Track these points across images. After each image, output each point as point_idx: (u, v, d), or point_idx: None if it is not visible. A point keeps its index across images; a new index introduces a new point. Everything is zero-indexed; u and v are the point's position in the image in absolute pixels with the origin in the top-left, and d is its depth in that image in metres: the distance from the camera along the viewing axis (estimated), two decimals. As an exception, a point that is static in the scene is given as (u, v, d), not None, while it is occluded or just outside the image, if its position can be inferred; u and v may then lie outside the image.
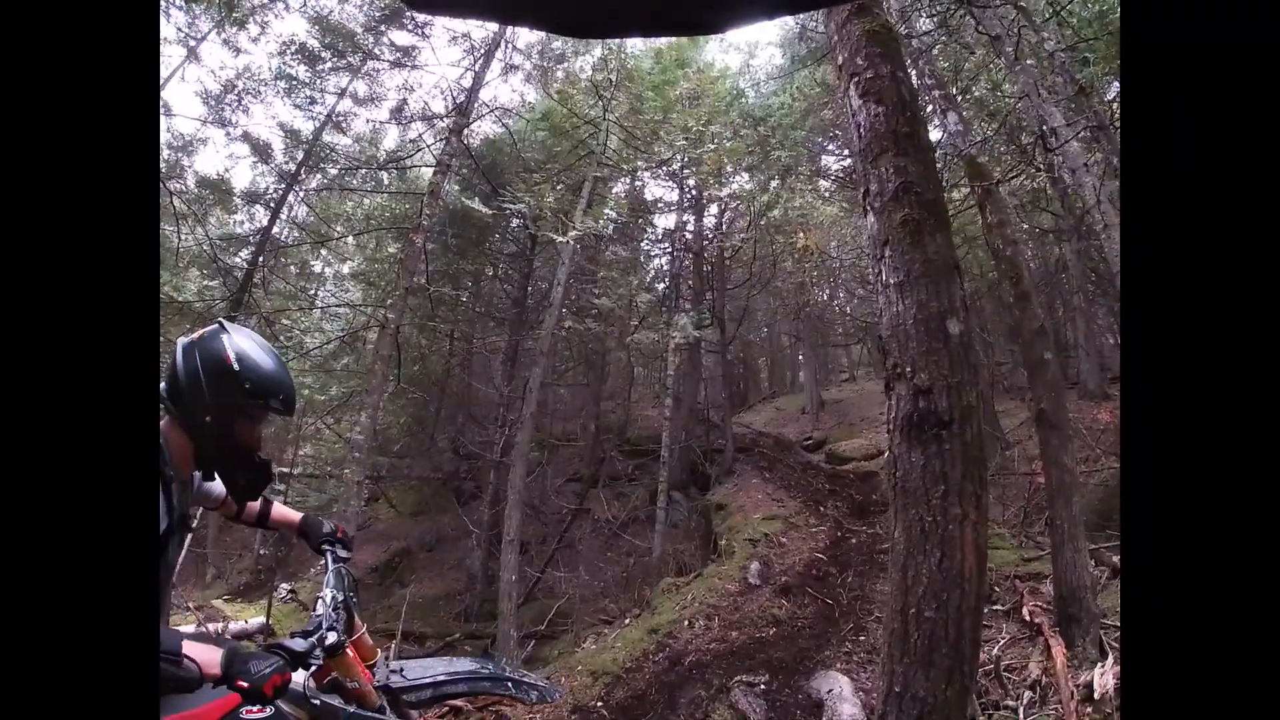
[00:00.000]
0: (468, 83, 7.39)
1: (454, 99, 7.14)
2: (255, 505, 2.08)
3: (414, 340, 9.01)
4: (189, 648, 1.39)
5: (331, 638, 1.65)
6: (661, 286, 12.44)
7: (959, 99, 6.47)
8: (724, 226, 12.23)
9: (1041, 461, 5.26)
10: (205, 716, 1.57)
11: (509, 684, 2.24)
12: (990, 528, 6.79)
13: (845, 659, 4.87)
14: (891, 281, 2.50)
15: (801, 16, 9.73)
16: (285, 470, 8.85)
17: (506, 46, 7.44)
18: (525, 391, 7.49)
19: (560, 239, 6.40)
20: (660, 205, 12.95)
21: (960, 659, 2.10)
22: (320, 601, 1.78)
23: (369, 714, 1.76)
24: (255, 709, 1.58)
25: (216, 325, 1.69)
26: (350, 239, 9.32)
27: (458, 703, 4.29)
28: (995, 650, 4.50)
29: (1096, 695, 3.39)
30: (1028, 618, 4.74)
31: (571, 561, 9.29)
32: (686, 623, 5.76)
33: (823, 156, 13.14)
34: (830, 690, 4.18)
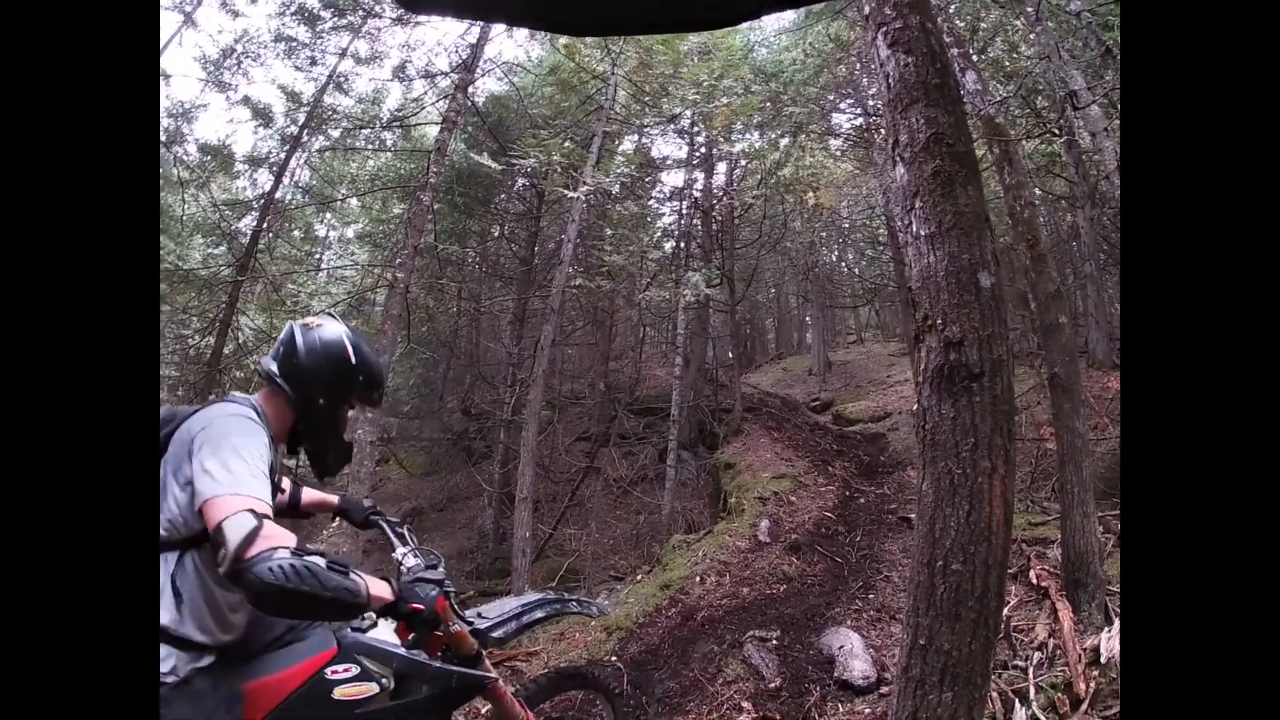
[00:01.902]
0: (472, 39, 7.17)
1: (459, 55, 6.94)
2: (286, 493, 2.15)
3: (421, 301, 8.95)
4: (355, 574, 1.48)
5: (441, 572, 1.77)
6: (670, 245, 12.30)
7: (976, 59, 6.24)
8: (734, 184, 12.01)
9: (1053, 426, 5.22)
10: (297, 675, 1.64)
11: (574, 604, 2.44)
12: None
13: (855, 616, 4.92)
14: (922, 233, 2.44)
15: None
16: None
17: None
18: (536, 350, 7.46)
19: (571, 194, 6.28)
20: (669, 162, 12.72)
21: (985, 613, 2.10)
22: (401, 562, 1.90)
23: (452, 667, 1.81)
24: (341, 667, 1.68)
25: (329, 316, 1.87)
26: (355, 201, 9.17)
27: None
28: (1005, 611, 4.55)
29: (1103, 659, 3.41)
30: (1035, 581, 4.77)
31: (582, 519, 9.40)
32: (698, 579, 5.84)
33: (834, 115, 12.84)
34: (841, 646, 4.23)
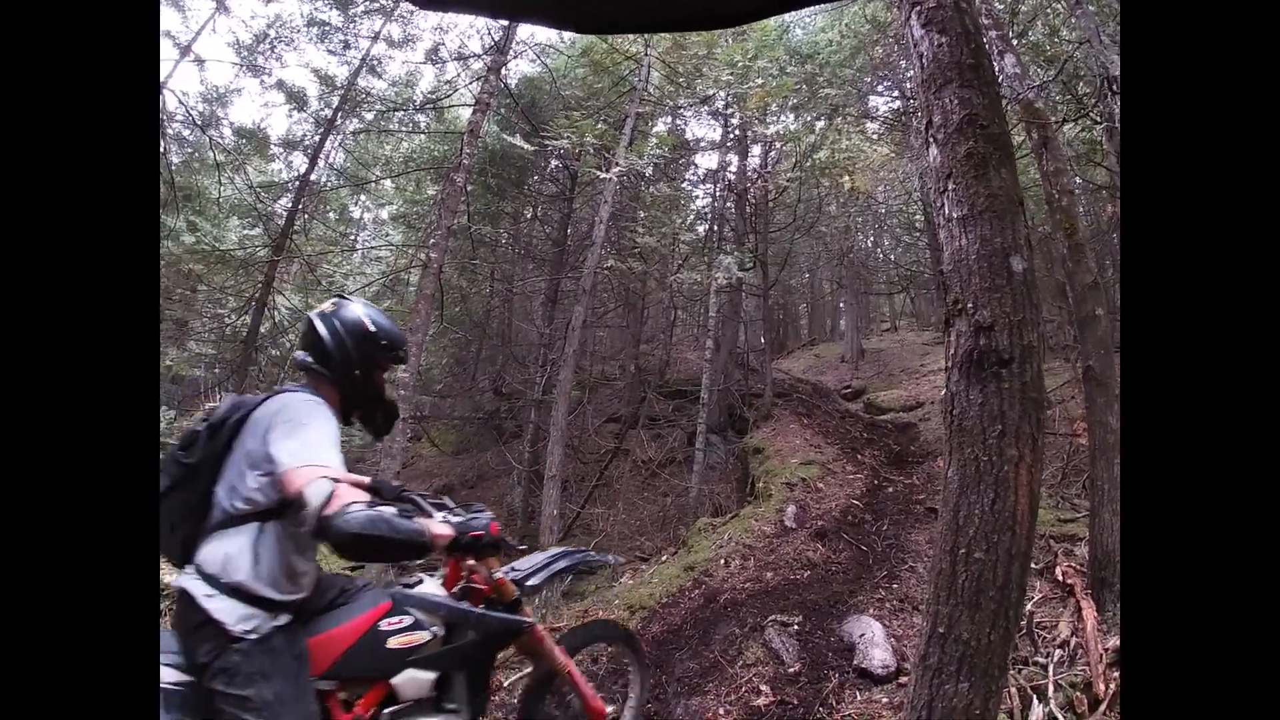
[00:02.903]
0: (504, 20, 7.15)
1: (491, 37, 6.93)
2: None
3: (454, 281, 9.05)
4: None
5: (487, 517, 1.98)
6: (703, 227, 12.19)
7: (1015, 43, 5.99)
8: (768, 167, 11.81)
9: (1085, 420, 5.05)
10: (355, 629, 1.84)
11: (591, 555, 2.69)
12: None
13: (878, 605, 4.88)
14: (954, 215, 2.38)
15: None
16: None
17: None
18: (567, 331, 7.51)
19: (604, 175, 6.25)
20: (703, 144, 12.56)
21: (1006, 604, 2.06)
22: (445, 516, 2.01)
23: (494, 614, 2.02)
24: (395, 620, 1.88)
25: (339, 298, 2.06)
26: (388, 182, 9.28)
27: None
28: (1028, 607, 4.46)
29: None
30: (1061, 578, 4.66)
31: (609, 500, 9.48)
32: (723, 561, 5.85)
33: (870, 97, 12.50)
34: (862, 635, 4.20)
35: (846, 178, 11.99)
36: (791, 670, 4.03)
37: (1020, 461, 2.10)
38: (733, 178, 10.97)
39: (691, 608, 5.14)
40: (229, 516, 1.72)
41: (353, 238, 9.62)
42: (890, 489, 7.69)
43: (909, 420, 11.24)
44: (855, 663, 3.98)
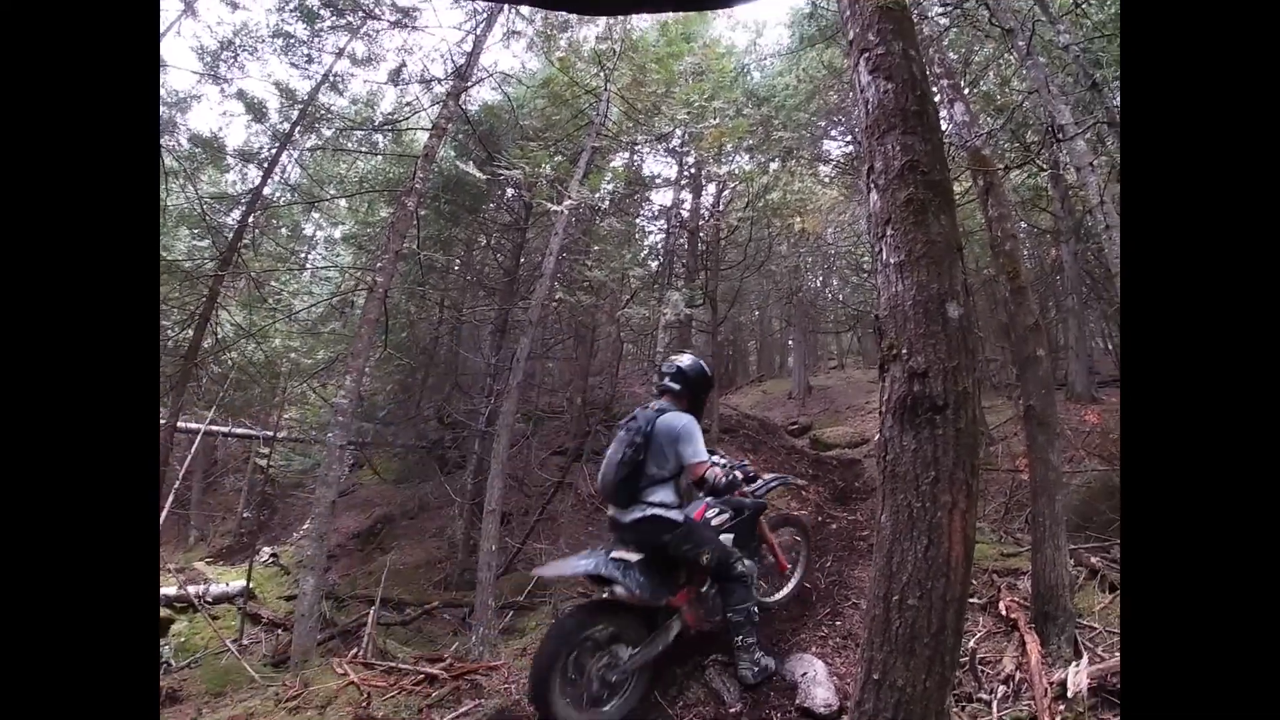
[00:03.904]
0: (468, 46, 7.17)
1: (454, 62, 6.92)
2: None
3: (402, 307, 8.85)
4: None
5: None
6: (655, 263, 12.30)
7: (966, 91, 6.33)
8: (721, 206, 12.06)
9: (1027, 458, 5.22)
10: (700, 513, 3.56)
11: (788, 479, 4.99)
12: (971, 519, 6.67)
13: (821, 643, 4.83)
14: (891, 261, 2.42)
15: (804, 3, 9.50)
16: (269, 434, 8.73)
17: (510, 10, 7.21)
18: (513, 362, 7.38)
19: (555, 208, 6.25)
20: (658, 181, 12.77)
21: (941, 649, 2.05)
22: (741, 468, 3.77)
23: (752, 500, 4.00)
24: (713, 511, 3.66)
25: (686, 353, 4.04)
26: (343, 202, 9.07)
27: (432, 670, 4.27)
28: (970, 643, 4.49)
29: (1070, 694, 3.36)
30: (1004, 612, 4.72)
31: (552, 534, 9.26)
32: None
33: (824, 141, 12.98)
34: (805, 674, 4.13)
35: (797, 219, 12.36)
36: (733, 710, 3.92)
37: (954, 508, 2.10)
38: (686, 215, 11.12)
39: (631, 648, 4.98)
40: (656, 478, 3.32)
41: (303, 255, 9.31)
42: (834, 525, 7.72)
43: (853, 457, 11.43)
44: (798, 702, 3.90)
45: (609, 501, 3.46)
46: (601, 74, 7.64)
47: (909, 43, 2.85)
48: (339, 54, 7.58)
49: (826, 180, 13.00)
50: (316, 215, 9.81)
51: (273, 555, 9.45)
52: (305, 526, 9.61)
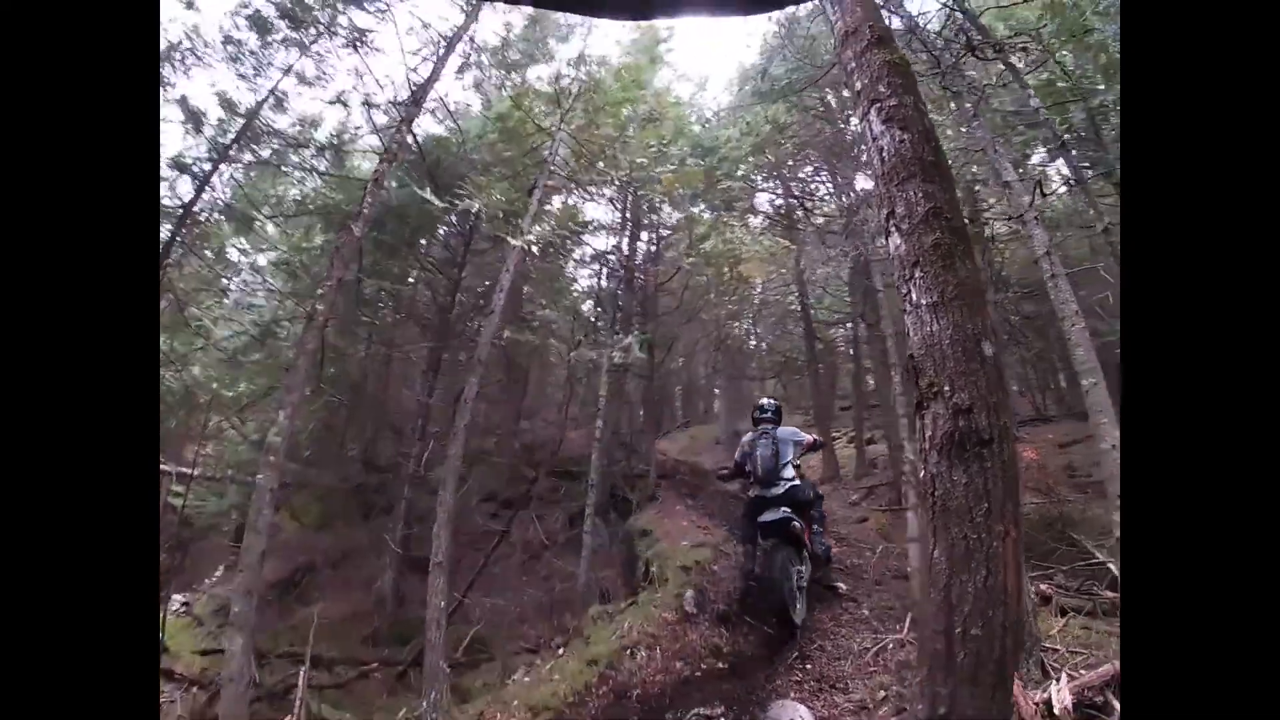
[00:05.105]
0: (424, 74, 7.07)
1: (409, 87, 6.80)
2: None
3: (330, 340, 8.30)
4: None
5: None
6: (587, 305, 12.36)
7: None
8: (659, 253, 12.35)
9: None
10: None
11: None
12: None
13: (797, 688, 4.85)
14: (924, 302, 2.54)
15: (758, 61, 10.15)
16: (185, 471, 7.84)
17: (470, 42, 7.22)
18: (458, 402, 7.10)
19: (514, 241, 6.17)
20: (594, 225, 12.91)
21: (1003, 676, 2.10)
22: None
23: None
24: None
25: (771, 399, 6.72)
26: (271, 227, 8.51)
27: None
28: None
29: (1056, 710, 3.54)
30: None
31: (485, 585, 8.81)
32: (628, 653, 5.54)
33: (758, 194, 13.65)
34: (791, 719, 4.13)
35: (729, 268, 12.85)
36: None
37: (1006, 536, 2.20)
38: (624, 260, 11.30)
39: (602, 705, 4.79)
40: (784, 464, 5.82)
41: (227, 280, 8.59)
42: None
43: (786, 502, 11.71)
44: (789, 751, 3.89)
45: (761, 485, 5.90)
46: (557, 112, 7.74)
47: (916, 96, 3.10)
48: (288, 70, 7.23)
49: (758, 231, 13.67)
50: (244, 240, 9.15)
51: (184, 604, 8.47)
52: (218, 573, 8.66)
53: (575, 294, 11.68)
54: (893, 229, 2.80)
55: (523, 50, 7.68)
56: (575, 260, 13.25)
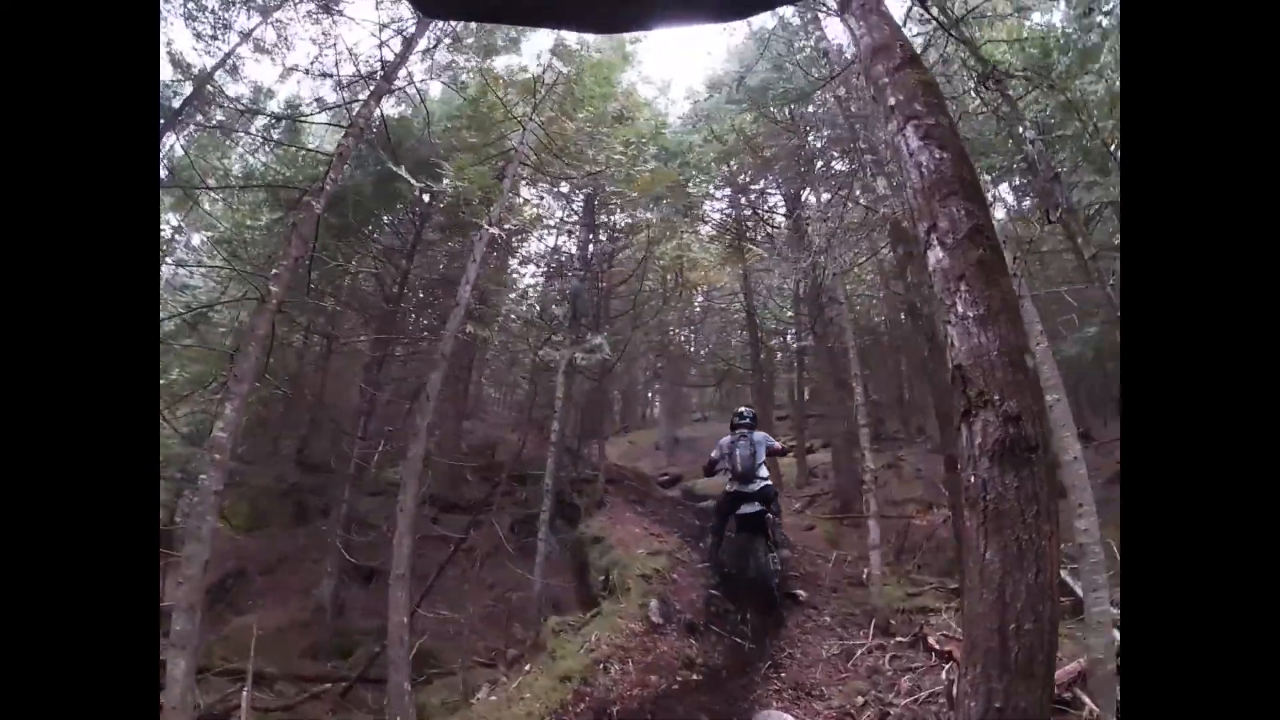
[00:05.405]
0: (394, 49, 6.83)
1: (381, 62, 6.54)
2: None
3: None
4: None
5: None
6: (537, 308, 12.24)
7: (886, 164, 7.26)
8: (613, 254, 12.39)
9: (951, 504, 5.93)
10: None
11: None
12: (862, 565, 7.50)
13: (776, 696, 4.99)
14: (970, 315, 2.69)
15: (728, 69, 10.36)
16: None
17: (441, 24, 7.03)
18: (418, 399, 6.89)
19: (490, 229, 6.03)
20: (559, 221, 12.80)
21: (1051, 666, 2.29)
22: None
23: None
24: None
25: (747, 408, 7.65)
26: (208, 204, 7.91)
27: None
28: (916, 677, 4.92)
29: None
30: (937, 646, 5.24)
31: (429, 594, 8.52)
32: (600, 668, 5.50)
33: (706, 202, 13.96)
34: (781, 727, 4.25)
35: (672, 275, 13.10)
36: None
37: (1051, 535, 2.39)
38: (588, 258, 11.27)
39: (581, 724, 4.74)
40: (759, 464, 6.66)
41: (161, 256, 7.88)
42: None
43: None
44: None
45: (740, 481, 6.69)
46: (531, 99, 7.64)
47: (948, 117, 3.31)
48: (247, 35, 6.75)
49: (708, 239, 13.99)
50: (175, 217, 8.42)
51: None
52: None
53: (534, 291, 11.50)
54: (934, 243, 2.95)
55: (502, 35, 7.53)
56: (530, 256, 13.12)
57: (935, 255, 2.96)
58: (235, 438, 5.70)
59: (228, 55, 6.74)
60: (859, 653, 5.61)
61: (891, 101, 3.45)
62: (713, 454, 7.15)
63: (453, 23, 7.56)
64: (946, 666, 4.95)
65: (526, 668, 6.04)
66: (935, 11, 4.82)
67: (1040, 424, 2.51)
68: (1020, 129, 4.86)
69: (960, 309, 2.78)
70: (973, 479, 2.62)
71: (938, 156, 3.08)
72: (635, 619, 6.51)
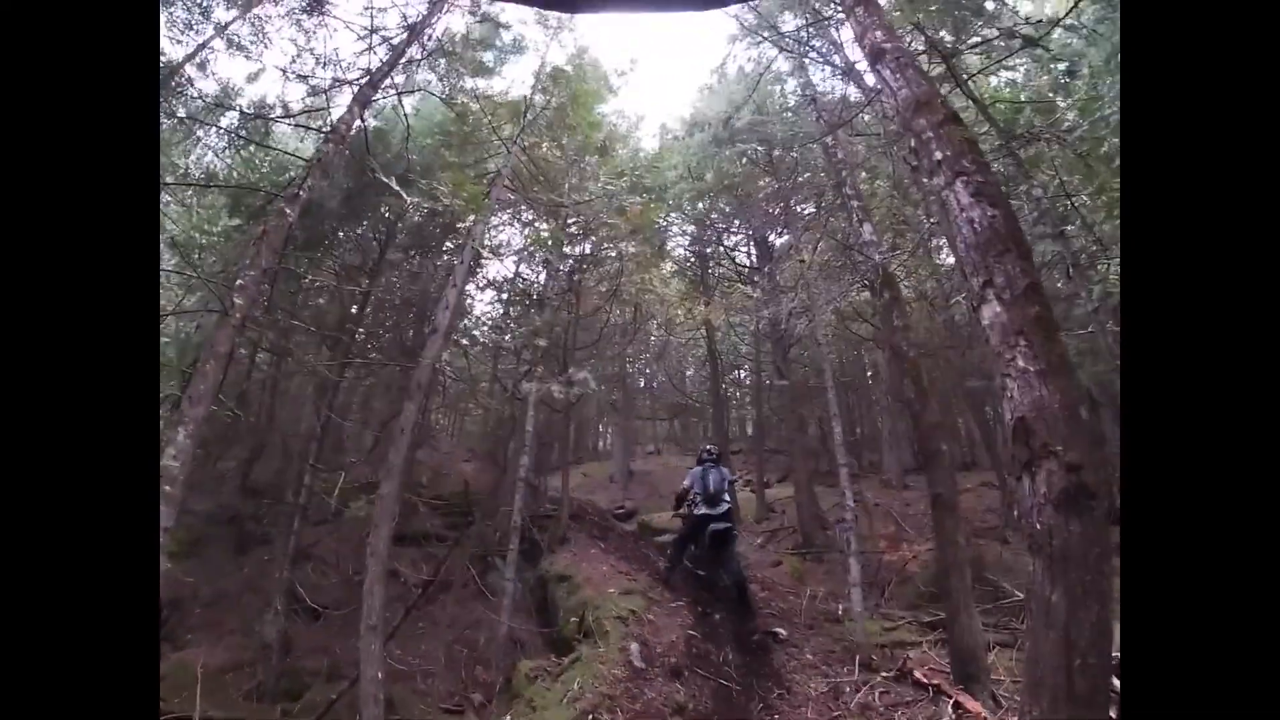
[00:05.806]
0: (380, 57, 6.77)
1: (366, 69, 6.46)
2: None
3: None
4: None
5: None
6: (507, 337, 12.12)
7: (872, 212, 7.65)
8: (580, 285, 12.44)
9: (936, 539, 6.19)
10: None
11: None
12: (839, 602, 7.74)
13: (776, 737, 5.03)
14: (1031, 369, 2.91)
15: (708, 108, 10.70)
16: None
17: (429, 32, 7.03)
18: (390, 430, 6.70)
19: (482, 251, 5.99)
20: (504, 251, 12.74)
21: (1109, 700, 2.50)
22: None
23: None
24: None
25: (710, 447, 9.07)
26: (173, 203, 7.48)
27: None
28: (904, 711, 5.10)
29: None
30: (923, 679, 5.44)
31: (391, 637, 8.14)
32: (590, 717, 5.42)
33: (675, 238, 14.28)
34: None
35: (634, 309, 13.29)
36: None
37: (1112, 575, 2.61)
38: (566, 286, 11.27)
39: (585, 779, 4.64)
40: (721, 493, 7.83)
41: None
42: (715, 615, 8.01)
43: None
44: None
45: (709, 504, 7.83)
46: (518, 120, 7.69)
47: (993, 174, 3.59)
48: (223, 28, 6.50)
49: (670, 274, 14.29)
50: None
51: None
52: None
53: (488, 319, 11.36)
54: (991, 297, 3.17)
55: (494, 50, 7.55)
56: (492, 281, 12.98)
57: (992, 310, 3.17)
58: (187, 467, 5.36)
59: (201, 46, 6.48)
60: (848, 690, 5.73)
61: (938, 156, 3.69)
62: (685, 483, 8.28)
63: (442, 37, 7.58)
64: (944, 700, 5.13)
65: (506, 717, 5.87)
66: (945, 69, 5.16)
67: (1099, 473, 2.73)
68: (1029, 187, 5.27)
69: (1020, 363, 2.99)
70: (1037, 526, 2.82)
71: (990, 214, 3.32)
72: (617, 664, 6.43)
